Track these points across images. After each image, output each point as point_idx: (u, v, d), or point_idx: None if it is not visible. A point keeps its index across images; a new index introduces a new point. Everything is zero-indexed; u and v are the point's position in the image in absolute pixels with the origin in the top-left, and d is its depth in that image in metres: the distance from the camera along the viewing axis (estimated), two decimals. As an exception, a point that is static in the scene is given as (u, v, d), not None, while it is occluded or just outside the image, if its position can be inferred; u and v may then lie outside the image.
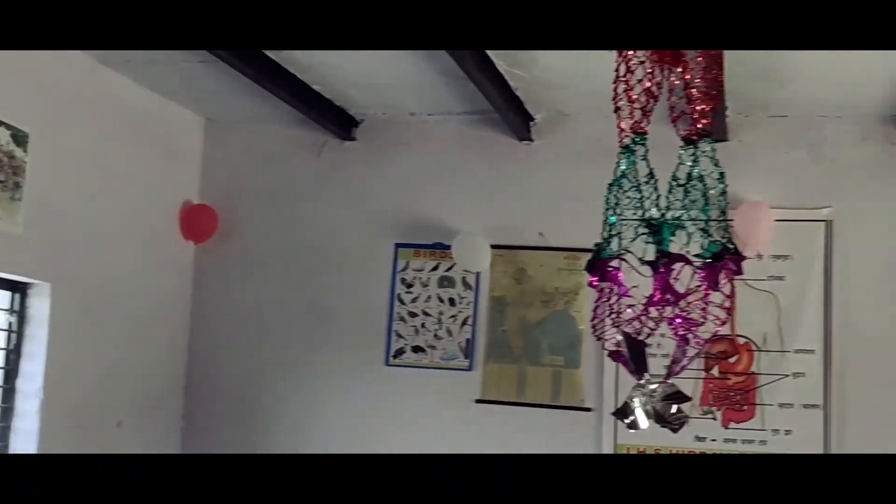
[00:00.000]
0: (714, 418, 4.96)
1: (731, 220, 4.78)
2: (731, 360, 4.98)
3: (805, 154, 5.02)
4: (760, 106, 4.94)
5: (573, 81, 4.68)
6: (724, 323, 2.38)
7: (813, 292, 4.91)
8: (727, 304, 2.37)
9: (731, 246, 2.35)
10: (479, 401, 5.24)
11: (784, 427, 4.88)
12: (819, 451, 4.80)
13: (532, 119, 5.29)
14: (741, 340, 4.97)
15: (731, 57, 4.02)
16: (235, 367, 5.58)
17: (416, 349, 5.36)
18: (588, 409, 5.09)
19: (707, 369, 4.98)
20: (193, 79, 5.05)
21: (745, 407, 4.94)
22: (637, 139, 2.41)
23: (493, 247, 5.24)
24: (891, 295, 4.85)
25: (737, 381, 4.97)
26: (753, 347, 4.96)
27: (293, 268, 5.58)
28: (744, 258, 2.35)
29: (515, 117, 5.09)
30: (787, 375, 4.90)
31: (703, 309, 2.38)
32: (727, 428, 4.94)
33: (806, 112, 4.97)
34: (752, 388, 4.95)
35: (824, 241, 4.93)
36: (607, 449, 5.03)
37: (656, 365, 4.48)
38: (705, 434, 4.96)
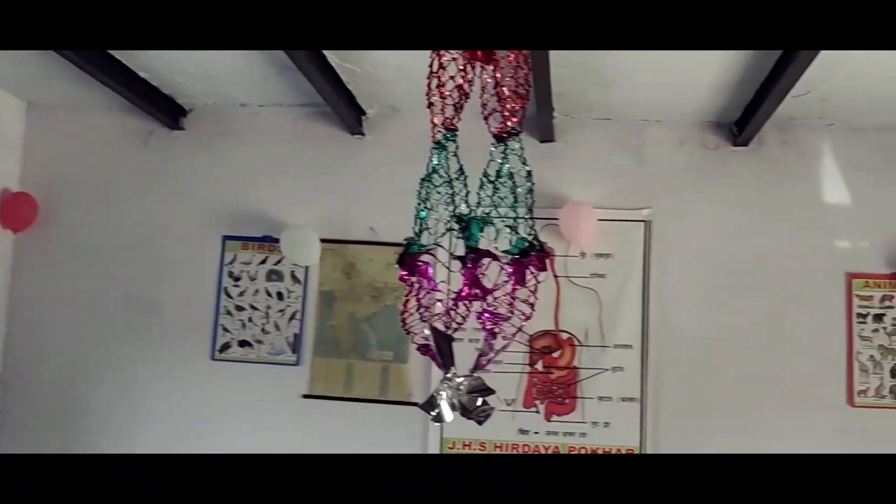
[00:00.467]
0: (537, 412, 5.07)
1: (537, 217, 5.01)
2: (555, 354, 5.10)
3: (627, 156, 5.19)
4: (586, 108, 5.08)
5: (404, 77, 4.70)
6: (528, 318, 2.42)
7: (632, 290, 5.08)
8: (532, 300, 2.40)
9: (538, 243, 2.39)
10: (306, 396, 5.20)
11: (603, 419, 5.03)
12: (635, 442, 4.97)
13: (364, 113, 5.28)
14: (564, 336, 5.10)
15: (557, 59, 4.14)
16: (55, 361, 5.37)
17: (243, 343, 5.28)
18: (415, 404, 5.10)
19: (532, 364, 5.09)
20: (13, 61, 4.83)
21: (566, 400, 5.07)
22: (448, 135, 2.43)
23: (323, 241, 5.21)
24: (704, 294, 5.07)
25: (559, 376, 5.09)
26: (576, 342, 5.10)
27: (117, 259, 5.41)
28: (548, 255, 2.39)
29: (347, 111, 5.08)
30: (607, 370, 5.06)
31: (511, 304, 2.41)
32: (549, 421, 5.06)
33: (628, 116, 5.14)
34: (574, 382, 5.08)
35: (644, 240, 5.10)
36: (433, 443, 5.08)
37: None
38: (528, 427, 5.06)
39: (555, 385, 5.08)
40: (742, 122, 4.95)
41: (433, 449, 5.08)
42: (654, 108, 5.01)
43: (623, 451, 4.98)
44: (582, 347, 5.09)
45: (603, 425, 5.03)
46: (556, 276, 5.11)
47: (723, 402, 4.98)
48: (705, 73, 4.48)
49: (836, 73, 4.34)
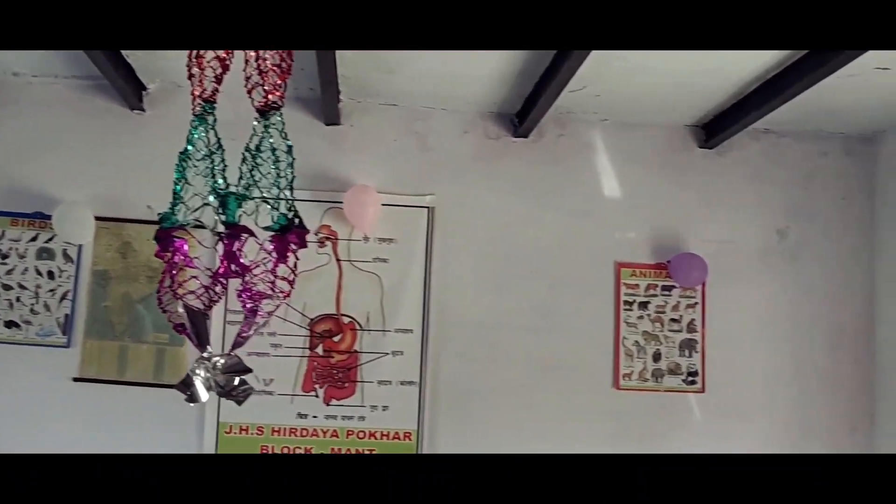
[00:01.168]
0: (316, 396, 5.05)
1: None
2: (336, 338, 5.10)
3: (412, 143, 5.24)
4: (372, 93, 5.09)
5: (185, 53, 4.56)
6: (287, 295, 2.40)
7: (414, 275, 5.14)
8: (292, 277, 2.39)
9: (298, 220, 2.37)
10: (76, 379, 4.98)
11: (382, 403, 5.07)
12: (413, 426, 5.04)
13: (145, 88, 5.11)
14: (346, 320, 5.10)
15: (340, 41, 4.11)
16: None
17: (10, 324, 5.00)
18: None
19: (312, 348, 5.07)
20: None
21: (346, 384, 5.08)
22: (207, 107, 2.38)
23: (98, 218, 5.00)
24: (483, 279, 5.19)
25: (340, 360, 5.09)
26: (357, 327, 5.11)
27: None
28: (307, 231, 2.38)
29: (126, 85, 4.89)
30: (387, 354, 5.10)
31: (271, 282, 2.38)
32: (328, 405, 5.05)
33: (414, 103, 5.19)
34: (354, 367, 5.09)
35: (426, 226, 5.17)
36: (210, 428, 4.97)
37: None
38: (307, 411, 5.04)
39: (335, 369, 5.08)
40: (522, 113, 5.08)
41: (209, 434, 4.98)
42: (439, 96, 5.08)
43: (401, 434, 5.03)
44: (363, 332, 5.11)
45: (382, 409, 5.07)
46: (338, 260, 5.11)
47: (499, 385, 5.12)
48: (485, 65, 4.58)
49: (609, 70, 4.53)
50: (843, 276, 5.36)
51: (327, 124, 5.15)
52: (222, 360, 2.39)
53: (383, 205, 5.10)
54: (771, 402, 5.25)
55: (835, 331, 5.31)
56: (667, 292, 5.24)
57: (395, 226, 5.15)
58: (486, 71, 4.66)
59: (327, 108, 5.00)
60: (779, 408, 5.25)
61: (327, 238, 5.13)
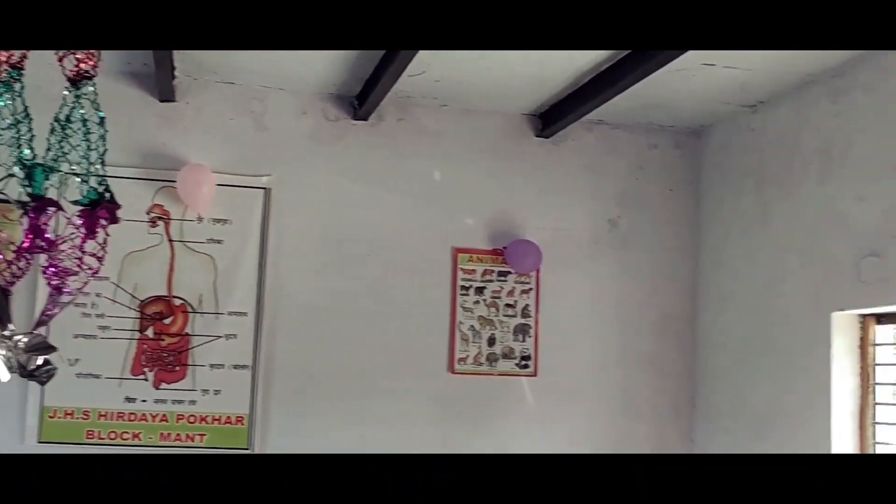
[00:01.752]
0: (146, 379, 4.92)
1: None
2: (167, 321, 4.97)
3: (249, 122, 5.15)
4: (209, 70, 4.97)
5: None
6: (96, 272, 2.31)
7: (249, 257, 5.06)
8: (101, 254, 2.30)
9: (109, 195, 2.29)
10: None
11: (214, 387, 4.97)
12: (245, 410, 4.96)
13: (-36, 56, 4.85)
14: (177, 302, 4.98)
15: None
16: None
17: None
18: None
19: (142, 330, 4.93)
20: None
21: (177, 368, 4.96)
22: (13, 74, 2.27)
23: None
24: (320, 262, 5.14)
25: (171, 343, 4.97)
26: (189, 309, 5.00)
27: None
28: (118, 207, 2.30)
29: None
30: (220, 337, 5.00)
31: (79, 259, 2.29)
32: (158, 388, 4.92)
33: (251, 81, 5.09)
34: (186, 350, 4.98)
35: (262, 207, 5.09)
36: (32, 412, 4.78)
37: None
38: (136, 395, 4.90)
39: (165, 352, 4.95)
40: (362, 96, 5.06)
41: (31, 419, 4.79)
42: (277, 75, 5.00)
43: (233, 419, 4.95)
44: (195, 314, 5.00)
45: (214, 393, 4.97)
46: (171, 241, 4.98)
47: (334, 369, 5.09)
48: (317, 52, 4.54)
49: (448, 55, 4.55)
50: (669, 264, 5.55)
51: (162, 101, 5.00)
52: (25, 339, 2.29)
53: (218, 185, 4.99)
54: (600, 386, 5.40)
55: (660, 317, 5.50)
56: (502, 278, 5.32)
57: (230, 206, 5.05)
58: (325, 52, 4.61)
59: (162, 84, 4.85)
60: (607, 391, 5.40)
61: (159, 218, 4.99)
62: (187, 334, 4.99)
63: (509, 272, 5.32)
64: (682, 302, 5.54)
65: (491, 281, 5.31)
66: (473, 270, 5.30)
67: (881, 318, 4.42)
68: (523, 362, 5.31)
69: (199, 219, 5.01)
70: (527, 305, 5.34)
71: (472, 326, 5.26)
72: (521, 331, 5.32)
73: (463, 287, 5.27)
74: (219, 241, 5.04)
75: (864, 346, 4.47)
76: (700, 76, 4.70)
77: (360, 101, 5.10)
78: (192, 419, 4.94)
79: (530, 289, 5.35)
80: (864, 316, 4.45)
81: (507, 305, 5.32)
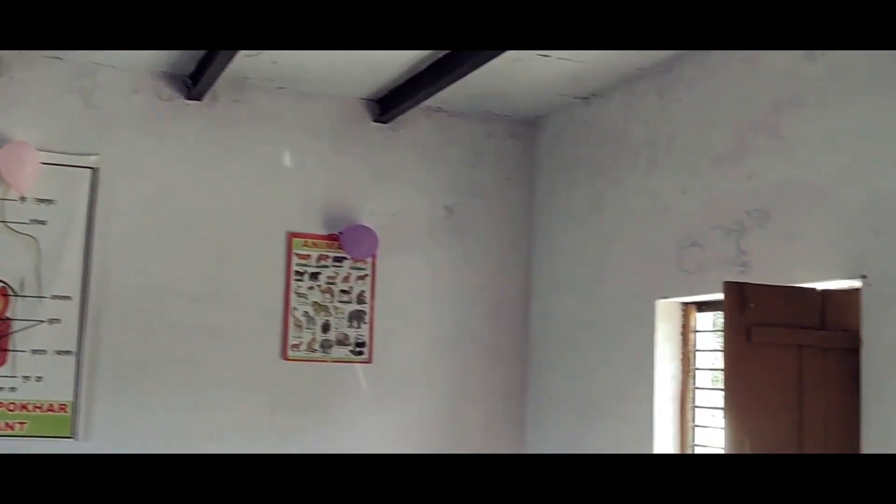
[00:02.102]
0: (-30, 366, 4.70)
1: None
2: (-15, 304, 4.76)
3: (76, 99, 4.96)
4: (33, 43, 4.76)
5: None
6: None
7: (74, 238, 4.88)
8: None
9: None
10: None
11: (36, 374, 4.78)
12: (69, 397, 4.79)
13: None
14: (-3, 285, 4.78)
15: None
16: None
17: None
18: None
19: (-31, 315, 4.71)
20: None
21: (-4, 354, 4.75)
22: None
23: None
24: (149, 247, 5.01)
25: (-11, 327, 4.76)
26: (10, 292, 4.79)
27: None
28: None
29: None
30: (43, 321, 4.82)
31: None
32: (-23, 375, 4.72)
33: (80, 57, 4.91)
34: (6, 334, 4.77)
35: (90, 188, 4.92)
36: None
37: None
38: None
39: (-17, 337, 4.74)
40: (196, 75, 4.95)
41: None
42: (108, 51, 4.82)
43: (56, 406, 4.77)
44: (16, 297, 4.80)
45: (35, 379, 4.79)
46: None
47: (164, 355, 4.98)
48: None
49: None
50: (503, 252, 5.65)
51: (-18, 73, 4.77)
52: None
53: (42, 163, 4.81)
54: (434, 371, 5.45)
55: (494, 303, 5.60)
56: (338, 263, 5.30)
57: (55, 186, 4.87)
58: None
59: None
60: (441, 376, 5.46)
61: (-22, 197, 4.76)
62: (8, 318, 4.78)
63: (345, 258, 5.31)
64: (515, 289, 5.65)
65: (326, 266, 5.28)
66: (308, 255, 5.26)
67: (701, 306, 4.60)
68: (358, 349, 5.31)
69: (22, 198, 4.81)
70: (362, 291, 5.35)
71: (306, 312, 5.23)
72: (357, 317, 5.32)
73: (297, 272, 5.23)
74: (43, 223, 4.85)
75: (686, 332, 4.65)
76: (535, 66, 4.79)
77: (194, 80, 4.98)
78: (11, 407, 4.75)
79: (366, 275, 5.36)
80: (685, 304, 4.63)
81: (343, 291, 5.31)
